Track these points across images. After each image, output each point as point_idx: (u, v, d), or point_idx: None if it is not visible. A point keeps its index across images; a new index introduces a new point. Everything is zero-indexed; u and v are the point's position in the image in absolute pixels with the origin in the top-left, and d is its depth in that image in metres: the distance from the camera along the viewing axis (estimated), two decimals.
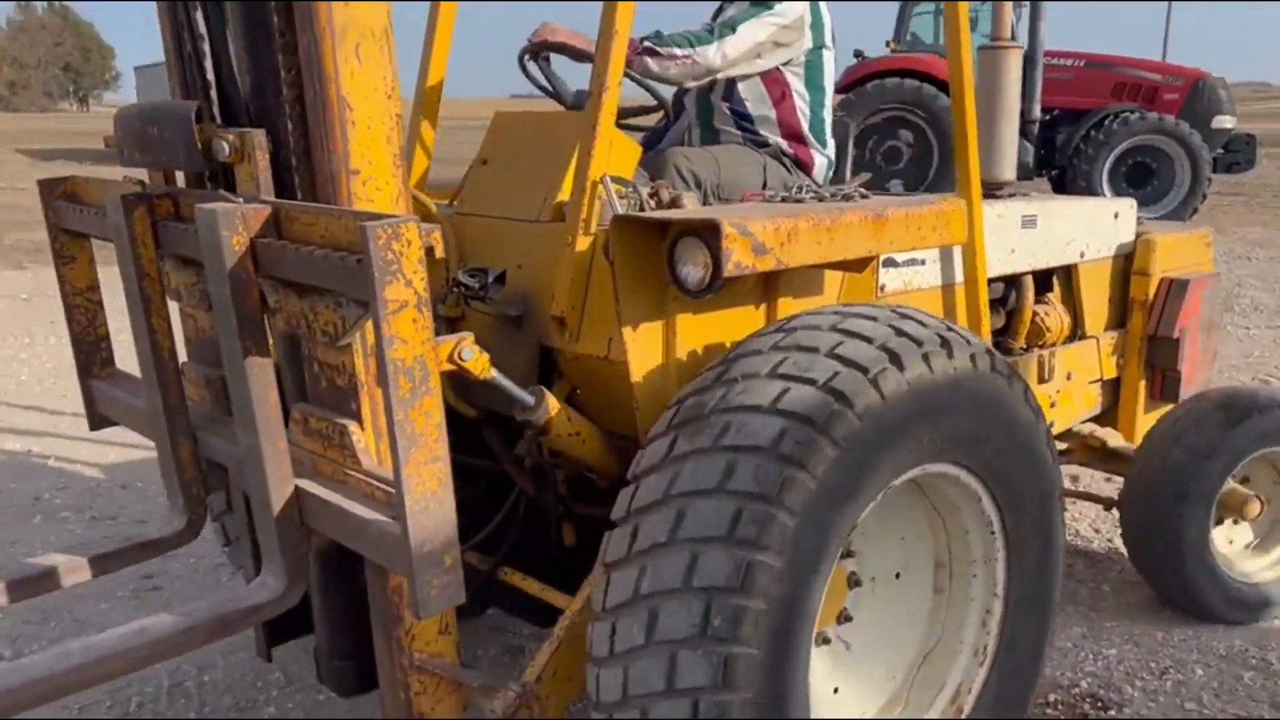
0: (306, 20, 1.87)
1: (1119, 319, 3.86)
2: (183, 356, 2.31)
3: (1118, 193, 13.02)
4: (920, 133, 13.19)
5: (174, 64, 2.27)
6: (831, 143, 3.19)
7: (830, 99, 3.17)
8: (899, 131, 13.23)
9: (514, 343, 2.41)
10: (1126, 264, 3.84)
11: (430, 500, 1.71)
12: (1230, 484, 3.45)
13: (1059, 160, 13.89)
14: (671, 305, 2.23)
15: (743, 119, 3.07)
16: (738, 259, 2.01)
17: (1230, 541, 3.59)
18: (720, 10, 3.27)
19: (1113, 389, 3.89)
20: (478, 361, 2.06)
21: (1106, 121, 13.33)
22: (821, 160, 3.14)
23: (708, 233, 2.01)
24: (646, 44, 2.90)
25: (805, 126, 3.08)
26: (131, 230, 2.14)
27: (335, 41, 1.87)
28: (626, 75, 2.74)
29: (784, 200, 2.37)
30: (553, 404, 2.22)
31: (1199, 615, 3.44)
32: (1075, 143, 13.63)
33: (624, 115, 2.94)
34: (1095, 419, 3.94)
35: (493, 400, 2.29)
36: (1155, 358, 3.80)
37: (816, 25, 3.11)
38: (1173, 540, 3.35)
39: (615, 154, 2.41)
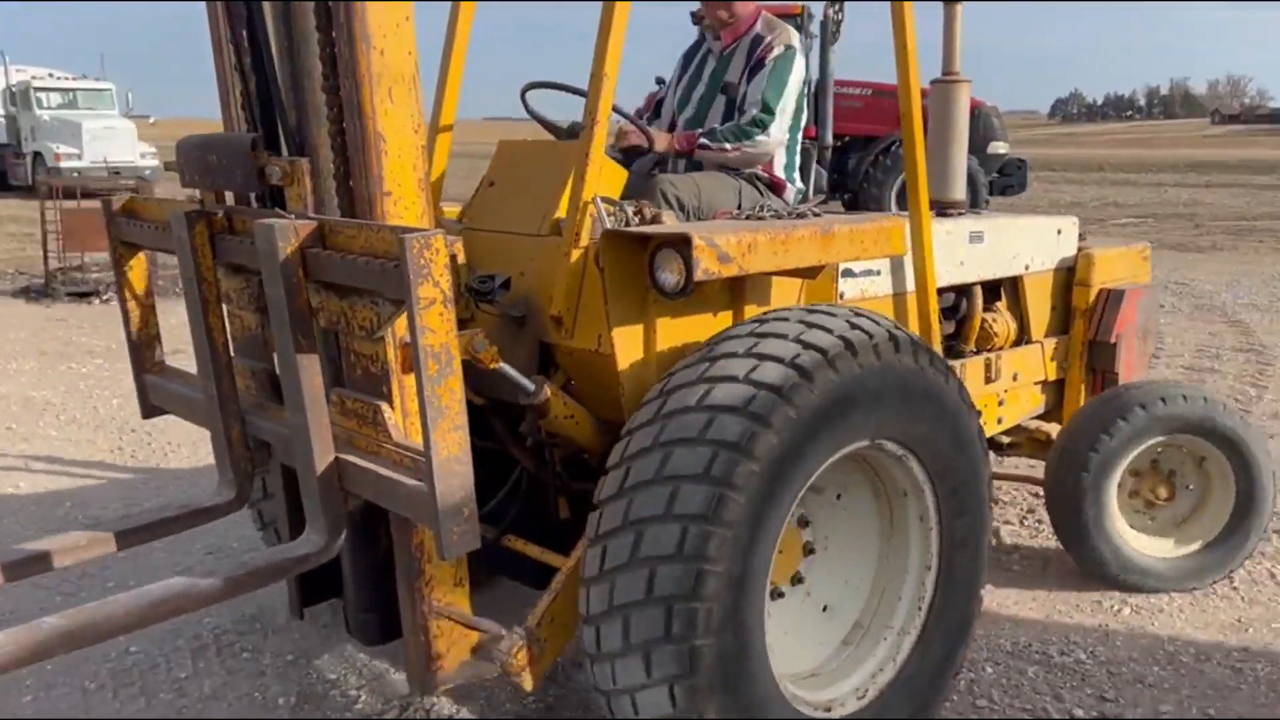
0: (349, 68, 2.26)
1: (1063, 326, 4.25)
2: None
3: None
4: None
5: (223, 98, 2.65)
6: (798, 161, 3.59)
7: (803, 123, 3.57)
8: None
9: (517, 339, 2.79)
10: (1069, 276, 4.24)
11: (453, 462, 2.08)
12: (1134, 471, 3.85)
13: (851, 184, 14.34)
14: (652, 307, 2.61)
15: None
16: (706, 266, 2.39)
17: (1143, 522, 3.95)
18: (700, 55, 3.66)
19: (1058, 389, 4.28)
20: (488, 353, 2.44)
21: (894, 147, 13.68)
22: (791, 182, 3.53)
23: (681, 244, 2.39)
24: (702, 140, 3.36)
25: (782, 160, 3.48)
26: (193, 242, 2.52)
27: (373, 86, 2.25)
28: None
29: (748, 218, 2.76)
30: (551, 391, 2.61)
31: (1106, 583, 3.81)
32: (865, 167, 14.07)
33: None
34: (1044, 417, 4.33)
35: (499, 388, 2.66)
36: (1095, 360, 4.19)
37: (806, 65, 3.51)
38: (1075, 516, 3.74)
39: (605, 178, 2.80)
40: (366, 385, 2.38)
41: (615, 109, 2.98)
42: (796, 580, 2.73)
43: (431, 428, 2.05)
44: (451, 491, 2.09)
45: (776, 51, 3.37)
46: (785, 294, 2.89)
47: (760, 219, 2.72)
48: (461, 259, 2.07)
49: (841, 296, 3.28)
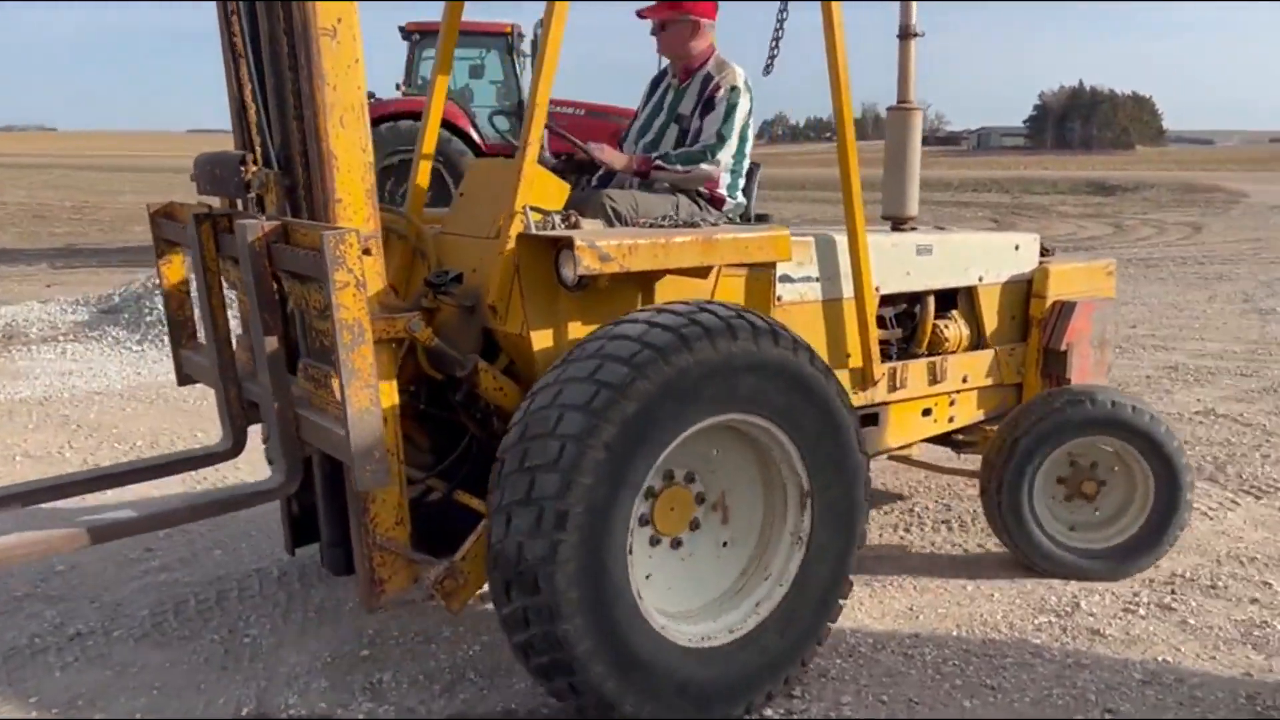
0: (309, 100, 2.83)
1: (1021, 334, 4.56)
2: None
3: None
4: (437, 175, 13.26)
5: (234, 124, 3.26)
6: (741, 182, 4.02)
7: (749, 149, 4.01)
8: None
9: (469, 325, 3.31)
10: (1028, 288, 4.55)
11: (364, 413, 2.63)
12: (1061, 468, 4.16)
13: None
14: (564, 299, 3.11)
15: None
16: (587, 264, 2.87)
17: (1073, 517, 4.24)
18: (663, 85, 4.13)
19: (1017, 392, 4.59)
20: (424, 333, 2.97)
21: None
22: (732, 199, 3.97)
23: (569, 245, 2.89)
24: (657, 161, 3.85)
25: (725, 178, 3.92)
26: (200, 238, 3.13)
27: (327, 114, 2.81)
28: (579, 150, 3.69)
29: (650, 226, 3.23)
30: (482, 366, 3.12)
31: (1031, 569, 4.12)
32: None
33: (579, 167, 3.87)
34: (1004, 417, 4.64)
35: (449, 366, 3.19)
36: (1049, 367, 4.50)
37: (751, 101, 3.95)
38: (1000, 507, 4.08)
39: (549, 192, 3.31)
40: (321, 355, 2.96)
41: (567, 136, 3.52)
42: (653, 542, 3.12)
43: (346, 386, 2.60)
44: (363, 437, 2.63)
45: (723, 91, 3.83)
46: (699, 291, 3.33)
47: (660, 227, 3.19)
48: (375, 251, 2.60)
49: (779, 300, 3.71)
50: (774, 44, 3.92)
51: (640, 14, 3.96)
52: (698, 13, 3.91)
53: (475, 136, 13.45)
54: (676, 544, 3.14)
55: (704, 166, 3.80)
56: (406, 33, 14.16)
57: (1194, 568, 4.26)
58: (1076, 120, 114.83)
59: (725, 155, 3.82)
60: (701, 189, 3.86)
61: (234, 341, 3.31)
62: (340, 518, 3.24)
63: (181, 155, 21.70)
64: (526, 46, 13.68)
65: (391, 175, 13.10)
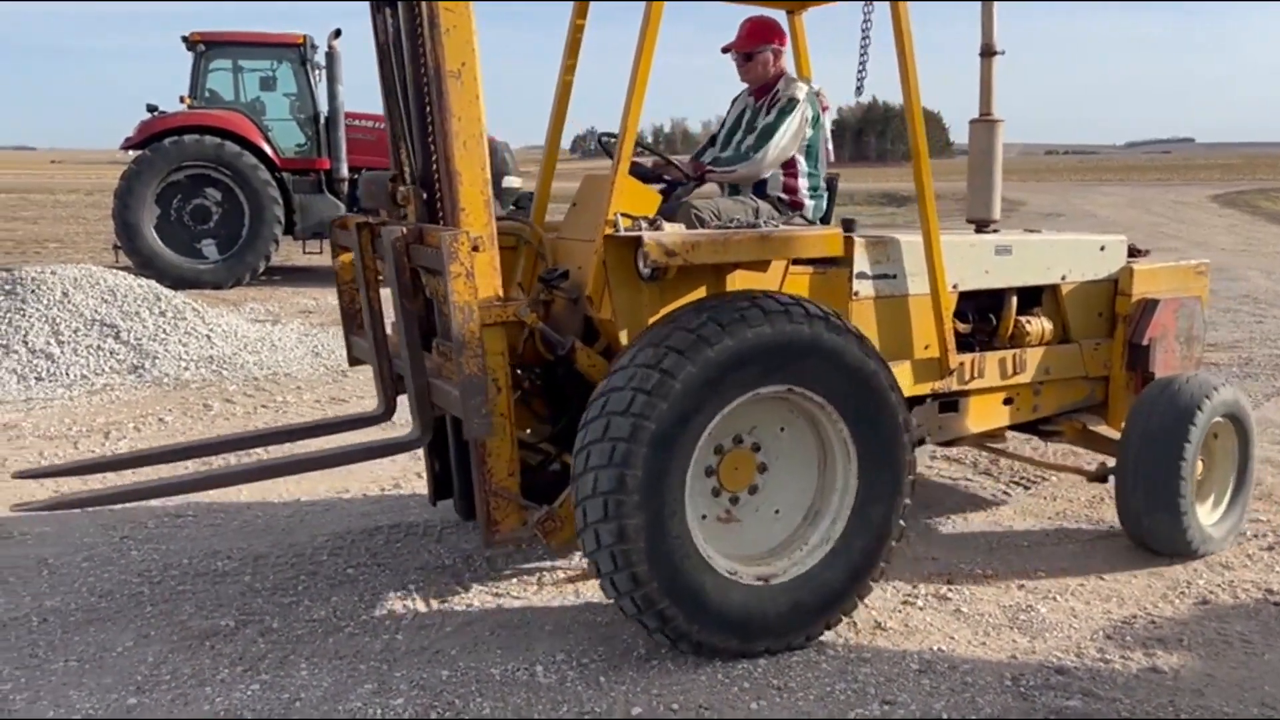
0: (440, 130, 3.53)
1: (1107, 330, 4.84)
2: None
3: None
4: (228, 190, 13.16)
5: (393, 151, 4.01)
6: (823, 188, 4.50)
7: (824, 158, 4.48)
8: (205, 190, 13.14)
9: (574, 314, 3.94)
10: (1114, 286, 4.83)
11: (473, 377, 3.30)
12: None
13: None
14: (645, 290, 3.69)
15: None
16: (655, 258, 3.43)
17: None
18: (743, 105, 4.66)
19: (1104, 384, 4.87)
20: (530, 318, 3.62)
21: None
22: (811, 202, 4.46)
23: (639, 244, 3.48)
24: (708, 166, 4.42)
25: (804, 183, 4.42)
26: (360, 242, 3.90)
27: (453, 141, 3.49)
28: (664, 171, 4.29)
29: (718, 228, 3.78)
30: (579, 345, 3.74)
31: (1184, 557, 4.32)
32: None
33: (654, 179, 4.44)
34: (1093, 409, 4.92)
35: (553, 346, 3.83)
36: (1133, 360, 4.76)
37: (813, 111, 4.44)
38: (1164, 496, 4.28)
39: (641, 201, 3.90)
40: (448, 335, 3.65)
41: (660, 154, 4.12)
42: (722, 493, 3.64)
43: (459, 355, 3.28)
44: (470, 394, 3.30)
45: (782, 101, 4.34)
46: (766, 285, 3.84)
47: (726, 228, 3.74)
48: (485, 250, 3.27)
49: (856, 294, 4.18)
50: (860, 67, 4.37)
51: (725, 49, 4.52)
52: (776, 41, 4.49)
53: (269, 150, 13.41)
54: (734, 500, 3.66)
55: (746, 164, 4.30)
56: (191, 44, 13.70)
57: (969, 557, 4.40)
58: (872, 134, 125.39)
59: (771, 155, 4.29)
60: (782, 195, 4.37)
61: (388, 326, 4.06)
62: (469, 473, 3.93)
63: None
64: (321, 58, 13.57)
65: (179, 191, 13.07)
